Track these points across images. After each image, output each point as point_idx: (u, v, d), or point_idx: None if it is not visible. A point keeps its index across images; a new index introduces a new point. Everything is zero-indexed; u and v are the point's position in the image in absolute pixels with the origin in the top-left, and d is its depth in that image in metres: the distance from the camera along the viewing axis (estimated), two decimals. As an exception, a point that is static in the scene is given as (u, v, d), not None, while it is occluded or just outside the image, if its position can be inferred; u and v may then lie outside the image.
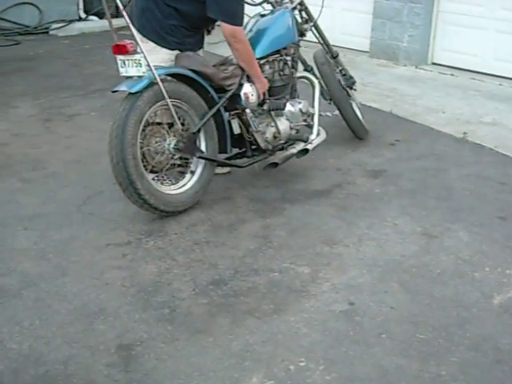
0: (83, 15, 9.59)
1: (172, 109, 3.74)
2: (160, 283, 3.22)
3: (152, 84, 3.65)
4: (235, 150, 4.30)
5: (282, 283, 3.24)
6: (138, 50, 3.59)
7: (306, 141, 4.34)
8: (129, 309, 3.01)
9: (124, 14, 3.56)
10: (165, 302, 3.07)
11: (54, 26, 9.15)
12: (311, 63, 4.88)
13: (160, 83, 3.65)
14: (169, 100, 3.70)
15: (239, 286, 3.21)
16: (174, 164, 3.91)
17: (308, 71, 4.95)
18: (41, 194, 4.12)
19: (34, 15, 9.28)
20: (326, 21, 8.45)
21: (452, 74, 7.32)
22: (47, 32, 9.14)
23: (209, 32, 4.29)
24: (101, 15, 9.70)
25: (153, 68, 3.63)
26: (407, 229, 3.82)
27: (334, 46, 8.41)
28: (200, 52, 4.25)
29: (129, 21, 3.57)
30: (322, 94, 5.05)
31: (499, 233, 3.77)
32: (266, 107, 4.18)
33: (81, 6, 9.54)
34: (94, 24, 9.28)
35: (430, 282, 3.29)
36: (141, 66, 3.59)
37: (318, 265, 3.41)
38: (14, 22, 8.95)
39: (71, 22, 9.34)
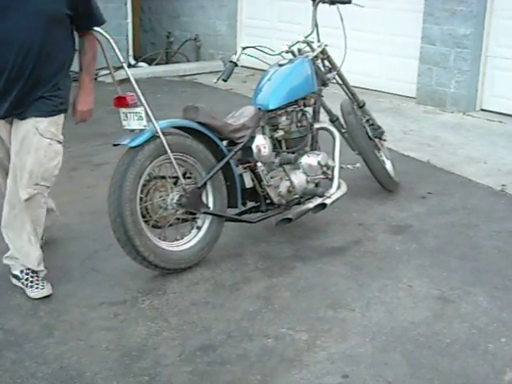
0: (133, 62, 9.67)
1: (174, 163, 3.63)
2: (146, 347, 3.06)
3: (154, 137, 3.56)
4: (251, 204, 4.15)
5: (274, 351, 3.03)
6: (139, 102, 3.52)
7: (321, 196, 4.13)
8: (107, 375, 2.86)
9: (124, 66, 3.49)
10: (146, 368, 2.91)
11: (103, 72, 9.19)
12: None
13: (162, 136, 3.55)
14: (171, 154, 3.59)
15: (228, 352, 3.02)
16: (180, 219, 3.78)
17: (333, 121, 4.79)
18: (48, 247, 4.04)
19: (84, 61, 9.49)
20: (372, 66, 8.38)
21: (500, 121, 7.01)
22: (96, 78, 9.20)
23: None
24: (150, 62, 9.78)
25: (154, 121, 3.54)
26: (422, 292, 3.56)
27: (381, 92, 8.39)
28: None
29: (130, 74, 3.50)
30: (349, 144, 4.89)
31: (523, 299, 3.47)
32: (277, 161, 4.03)
33: (130, 52, 9.62)
34: (142, 70, 9.30)
35: (437, 353, 3.02)
36: (142, 119, 3.51)
37: (317, 331, 3.19)
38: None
39: (120, 68, 9.40)
